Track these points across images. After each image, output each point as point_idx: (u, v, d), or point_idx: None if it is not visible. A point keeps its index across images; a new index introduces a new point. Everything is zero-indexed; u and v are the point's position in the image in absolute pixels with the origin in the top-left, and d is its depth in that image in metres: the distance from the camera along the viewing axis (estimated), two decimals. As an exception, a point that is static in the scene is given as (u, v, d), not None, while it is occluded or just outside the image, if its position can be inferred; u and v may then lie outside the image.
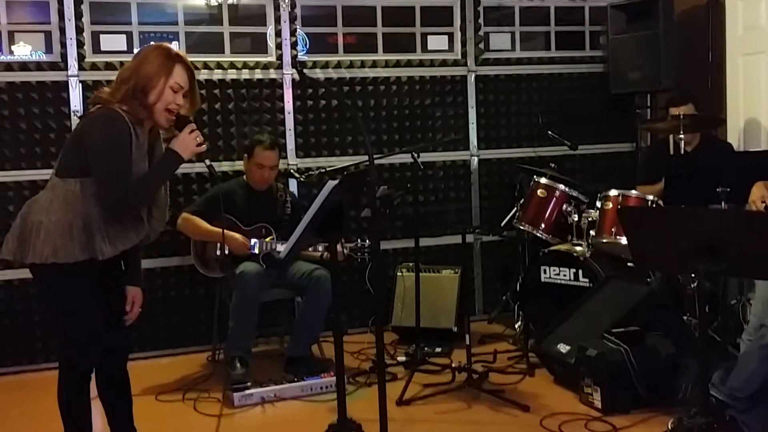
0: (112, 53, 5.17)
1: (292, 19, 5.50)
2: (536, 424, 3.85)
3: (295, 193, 5.38)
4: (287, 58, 5.50)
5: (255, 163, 4.84)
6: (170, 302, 5.34)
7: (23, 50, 5.05)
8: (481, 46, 5.97)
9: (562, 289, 4.94)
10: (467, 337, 4.32)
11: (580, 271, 4.88)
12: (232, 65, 5.42)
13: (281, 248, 4.26)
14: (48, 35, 5.10)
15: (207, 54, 5.40)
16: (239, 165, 5.15)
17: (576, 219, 4.99)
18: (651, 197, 4.69)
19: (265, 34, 5.51)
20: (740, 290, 4.43)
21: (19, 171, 5.02)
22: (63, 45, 5.06)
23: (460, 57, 5.94)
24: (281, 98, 5.52)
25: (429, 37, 5.92)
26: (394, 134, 5.81)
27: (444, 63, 5.90)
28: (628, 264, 4.73)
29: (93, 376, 3.13)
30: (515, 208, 5.36)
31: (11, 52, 5.03)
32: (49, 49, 5.10)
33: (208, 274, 4.83)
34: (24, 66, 5.03)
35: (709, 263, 2.78)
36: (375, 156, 3.47)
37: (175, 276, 5.34)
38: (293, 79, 5.52)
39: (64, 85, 5.07)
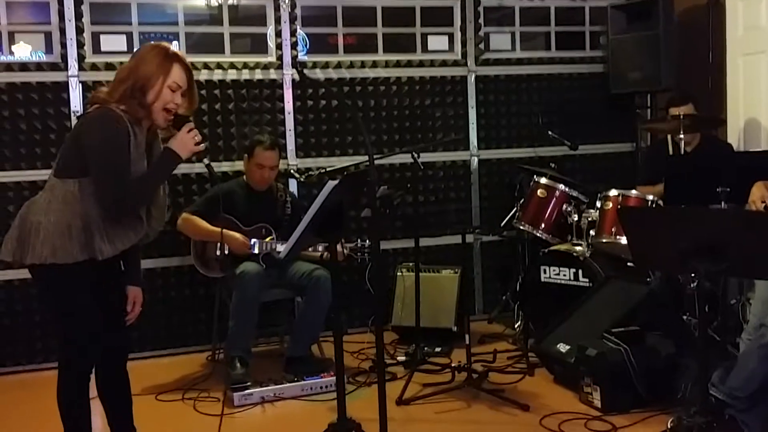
0: (112, 54, 5.18)
1: (293, 20, 5.51)
2: (536, 424, 3.85)
3: (295, 193, 5.38)
4: (287, 59, 5.50)
5: (255, 163, 4.84)
6: (170, 302, 5.34)
7: (23, 51, 5.06)
8: (482, 46, 5.97)
9: (562, 289, 4.94)
10: (467, 336, 4.33)
11: (580, 271, 4.88)
12: (233, 66, 5.42)
13: (281, 248, 4.26)
14: (48, 36, 5.10)
15: (207, 54, 5.41)
16: (239, 165, 5.15)
17: (576, 219, 4.99)
18: (651, 197, 4.69)
19: (266, 34, 5.51)
20: (740, 290, 4.43)
21: (19, 171, 5.03)
22: (63, 45, 5.06)
23: (460, 57, 5.94)
24: (281, 98, 5.53)
25: (429, 37, 5.92)
26: (394, 134, 5.81)
27: (444, 63, 5.90)
28: (628, 264, 4.73)
29: (93, 376, 3.13)
30: (515, 208, 5.36)
31: (11, 53, 5.04)
32: (49, 50, 5.10)
33: (208, 274, 4.84)
34: (24, 66, 5.04)
35: (709, 263, 2.78)
36: (375, 156, 3.47)
37: (175, 276, 5.34)
38: (293, 80, 5.52)
39: (65, 86, 5.08)
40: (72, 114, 5.04)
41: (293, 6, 5.50)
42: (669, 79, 5.72)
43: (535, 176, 5.22)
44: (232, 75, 5.43)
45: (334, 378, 4.10)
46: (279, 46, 5.49)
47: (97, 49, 5.18)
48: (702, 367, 3.07)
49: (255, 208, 4.86)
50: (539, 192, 5.13)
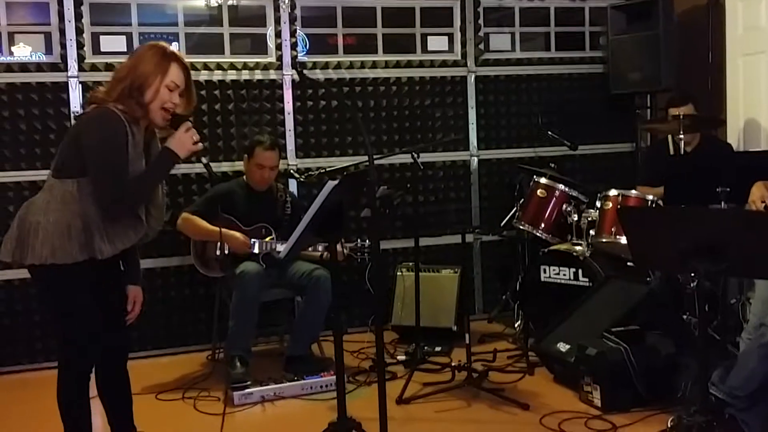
0: (112, 54, 5.17)
1: (292, 20, 5.51)
2: (536, 423, 3.86)
3: (295, 193, 5.38)
4: (287, 59, 5.51)
5: (255, 163, 4.84)
6: (170, 302, 5.35)
7: (23, 51, 5.06)
8: (481, 46, 5.97)
9: (562, 289, 4.95)
10: (467, 336, 4.33)
11: (580, 271, 4.88)
12: (232, 66, 5.42)
13: (281, 248, 4.27)
14: (48, 36, 5.10)
15: (207, 55, 5.41)
16: (239, 165, 5.15)
17: (576, 219, 4.99)
18: (651, 197, 4.69)
19: (265, 35, 5.51)
20: (740, 289, 4.44)
21: (19, 172, 5.03)
22: (63, 46, 5.06)
23: (460, 58, 5.95)
24: (281, 99, 5.53)
25: (429, 37, 5.92)
26: (394, 135, 5.81)
27: (444, 64, 5.91)
28: (628, 263, 4.73)
29: (93, 375, 3.14)
30: (515, 208, 5.36)
31: (11, 54, 5.04)
32: (49, 51, 5.10)
33: (208, 274, 4.84)
34: (24, 67, 5.04)
35: (709, 263, 2.79)
36: (375, 156, 3.48)
37: (175, 276, 5.34)
38: (293, 80, 5.53)
39: (64, 86, 5.08)
40: (72, 114, 5.04)
41: (293, 6, 5.50)
42: (669, 79, 5.72)
43: (534, 176, 5.22)
44: (231, 75, 5.43)
45: (334, 377, 4.10)
46: (279, 47, 5.49)
47: (96, 49, 5.18)
48: (702, 366, 3.07)
49: (255, 208, 4.86)
50: (539, 192, 5.13)
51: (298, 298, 5.16)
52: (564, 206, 5.07)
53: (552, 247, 5.05)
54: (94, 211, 2.95)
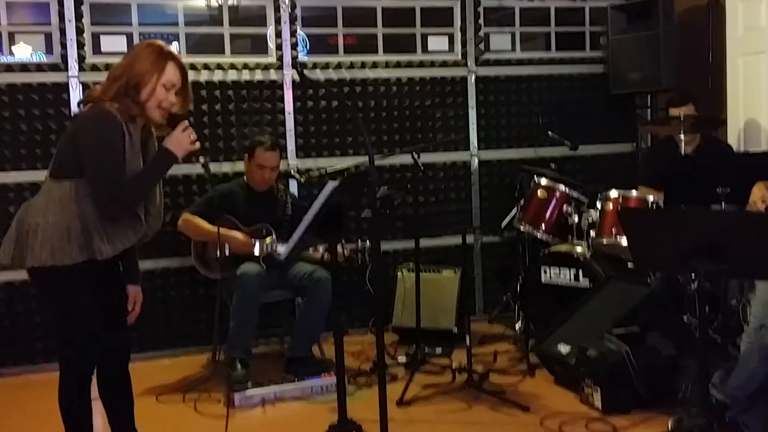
0: (112, 54, 5.16)
1: (293, 20, 5.51)
2: (536, 424, 3.86)
3: (296, 193, 5.39)
4: (287, 59, 5.50)
5: (256, 164, 4.84)
6: (170, 303, 5.34)
7: (23, 51, 5.06)
8: (482, 46, 5.97)
9: (563, 290, 4.94)
10: (467, 337, 4.33)
11: (581, 272, 4.88)
12: (233, 66, 5.42)
13: (282, 249, 4.26)
14: (48, 36, 5.10)
15: (207, 55, 5.41)
16: (240, 166, 5.14)
17: (576, 220, 4.99)
18: (651, 198, 4.69)
19: (266, 35, 5.51)
20: (740, 291, 4.43)
21: (19, 172, 5.03)
22: (63, 46, 5.06)
23: (460, 58, 5.94)
24: (281, 99, 5.53)
25: (429, 37, 5.92)
26: (395, 135, 5.81)
27: (444, 64, 5.91)
28: (629, 264, 4.73)
29: (94, 376, 3.13)
30: (515, 209, 5.35)
31: (11, 54, 5.04)
32: (49, 51, 5.10)
33: (208, 275, 4.84)
34: (24, 67, 5.04)
35: (710, 264, 2.79)
36: (375, 157, 3.47)
37: (176, 277, 5.34)
38: (293, 80, 5.52)
39: (65, 87, 5.08)
40: (72, 115, 5.03)
41: (293, 6, 5.50)
42: (669, 79, 5.72)
43: (535, 177, 5.21)
44: (232, 76, 5.43)
45: (334, 379, 4.10)
46: (279, 47, 5.49)
47: (97, 49, 5.18)
48: (702, 367, 3.08)
49: (255, 209, 4.86)
50: (539, 192, 5.12)
51: (298, 299, 5.16)
52: (564, 207, 5.06)
53: (552, 248, 5.05)
54: (92, 211, 2.94)
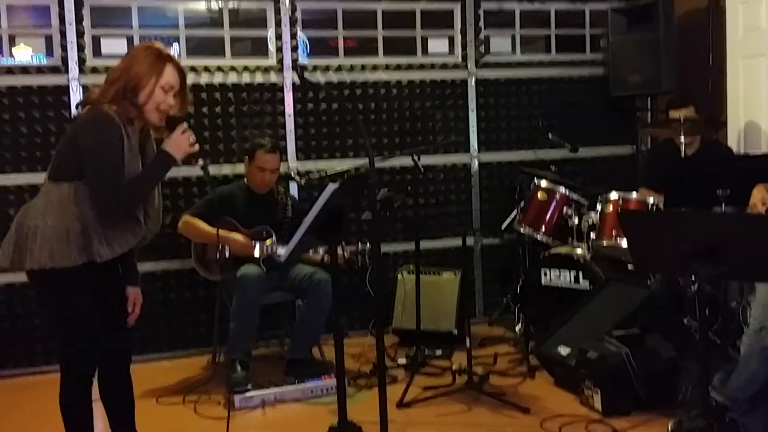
0: (112, 57, 5.14)
1: (293, 23, 5.51)
2: (537, 427, 3.86)
3: (296, 196, 5.39)
4: (288, 62, 5.51)
5: (256, 166, 4.84)
6: (171, 305, 5.35)
7: (24, 54, 5.06)
8: (482, 49, 5.97)
9: (563, 292, 4.94)
10: (467, 339, 4.32)
11: (581, 274, 4.88)
12: (233, 69, 5.42)
13: (282, 251, 4.27)
14: (49, 39, 5.11)
15: (207, 57, 5.41)
16: (240, 168, 5.14)
17: (576, 222, 4.99)
18: (651, 200, 4.69)
19: (266, 37, 5.51)
20: (741, 293, 4.43)
21: (19, 174, 5.03)
22: (64, 49, 5.07)
23: (460, 60, 5.95)
24: (282, 101, 5.53)
25: (429, 40, 5.92)
26: (395, 137, 5.82)
27: (444, 66, 5.91)
28: (629, 267, 4.73)
29: (95, 378, 3.13)
30: (515, 211, 5.35)
31: (12, 56, 5.04)
32: (49, 53, 5.10)
33: (208, 277, 4.84)
34: (25, 70, 5.04)
35: (710, 266, 2.79)
36: (375, 159, 3.48)
37: (176, 278, 5.34)
38: (294, 83, 5.53)
39: (65, 89, 5.08)
40: (73, 117, 5.04)
41: (293, 9, 5.50)
42: (669, 81, 5.72)
43: (535, 179, 5.21)
44: (232, 78, 5.43)
45: (334, 381, 4.10)
46: (279, 49, 5.49)
47: (97, 52, 5.18)
48: (702, 369, 3.08)
49: (256, 211, 4.86)
50: (540, 195, 5.13)
51: (298, 301, 5.16)
52: (564, 209, 5.07)
53: (552, 250, 5.05)
54: (91, 214, 2.93)
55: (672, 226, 2.91)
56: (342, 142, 5.68)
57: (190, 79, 5.16)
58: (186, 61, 5.23)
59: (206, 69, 5.36)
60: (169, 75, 3.05)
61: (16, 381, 4.98)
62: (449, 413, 4.11)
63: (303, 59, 5.58)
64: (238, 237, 4.68)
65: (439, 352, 5.03)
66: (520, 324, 5.30)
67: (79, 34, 5.09)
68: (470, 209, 6.01)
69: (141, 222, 3.08)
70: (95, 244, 2.94)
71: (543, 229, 5.10)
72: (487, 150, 6.04)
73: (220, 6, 5.42)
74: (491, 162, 6.05)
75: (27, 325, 5.07)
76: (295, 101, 5.55)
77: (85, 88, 5.07)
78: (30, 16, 5.14)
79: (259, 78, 5.48)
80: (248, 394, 4.29)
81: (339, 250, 4.11)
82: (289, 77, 5.51)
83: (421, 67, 5.84)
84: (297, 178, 5.46)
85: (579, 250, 4.92)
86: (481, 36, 5.96)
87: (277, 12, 5.47)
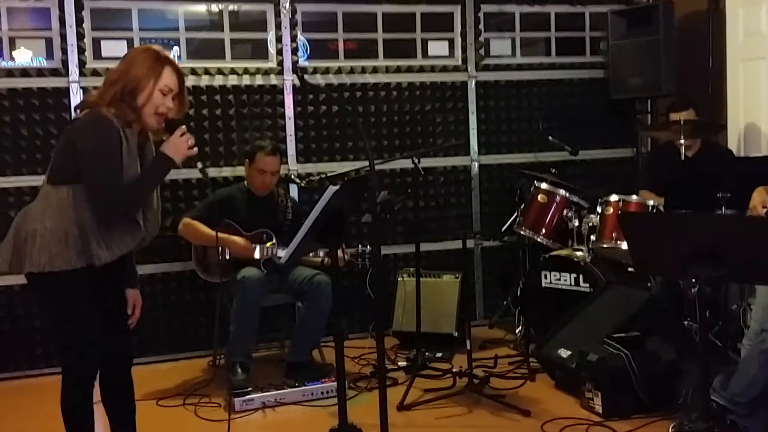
0: (113, 59, 5.13)
1: (293, 25, 5.51)
2: (537, 429, 3.85)
3: (296, 198, 5.39)
4: (288, 64, 5.51)
5: (256, 168, 4.84)
6: (171, 307, 5.34)
7: (24, 56, 5.07)
8: (482, 51, 5.98)
9: (563, 294, 4.94)
10: (468, 342, 4.32)
11: (581, 276, 4.88)
12: (233, 71, 5.42)
13: (282, 253, 4.27)
14: (49, 41, 5.11)
15: (208, 60, 5.41)
16: (240, 171, 5.15)
17: (576, 224, 4.99)
18: (651, 202, 4.69)
19: (266, 40, 5.52)
20: (741, 295, 4.43)
21: (20, 177, 5.03)
22: (64, 51, 5.07)
23: (460, 63, 5.95)
24: (282, 104, 5.53)
25: (429, 42, 5.93)
26: (395, 140, 5.82)
27: (444, 69, 5.91)
28: (629, 269, 4.73)
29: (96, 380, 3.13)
30: (516, 214, 5.36)
31: (12, 59, 5.05)
32: (50, 56, 5.11)
33: (209, 280, 4.84)
34: (25, 72, 5.04)
35: (710, 268, 2.79)
36: (376, 161, 3.48)
37: (176, 281, 5.34)
38: (294, 85, 5.53)
39: (65, 92, 5.08)
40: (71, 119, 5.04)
41: (294, 12, 5.50)
42: (669, 84, 5.72)
43: (535, 181, 5.22)
44: (232, 81, 5.43)
45: (335, 383, 4.09)
46: (279, 52, 5.50)
47: (97, 54, 5.18)
48: (703, 372, 3.07)
49: (256, 214, 4.86)
50: (540, 197, 5.13)
51: (298, 303, 5.16)
52: (565, 212, 5.07)
53: (553, 253, 5.05)
54: (90, 217, 2.92)
55: (672, 229, 2.91)
56: (342, 144, 5.68)
57: (191, 81, 5.22)
58: (186, 64, 5.24)
59: (206, 71, 5.36)
60: (167, 77, 3.04)
61: (17, 383, 4.98)
62: (450, 416, 4.11)
63: (303, 62, 5.58)
64: (237, 240, 4.68)
65: (439, 354, 5.03)
66: (520, 326, 5.30)
67: (80, 37, 5.09)
68: (470, 212, 6.02)
69: (140, 225, 3.07)
70: (94, 247, 2.93)
71: (543, 231, 5.11)
72: (488, 152, 6.04)
73: (221, 8, 5.42)
74: (491, 164, 6.05)
75: (27, 328, 5.06)
76: (296, 104, 5.55)
77: (86, 91, 5.07)
78: (30, 18, 5.14)
79: (259, 80, 5.48)
80: (248, 396, 4.29)
81: (339, 253, 4.12)
82: (290, 80, 5.51)
83: (421, 69, 5.85)
84: (297, 180, 5.45)
85: (579, 253, 4.92)
86: (481, 38, 5.97)
87: (278, 15, 5.47)
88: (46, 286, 2.96)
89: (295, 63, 5.52)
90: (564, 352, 4.36)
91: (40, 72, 5.07)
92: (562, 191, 5.11)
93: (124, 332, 3.24)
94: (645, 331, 4.17)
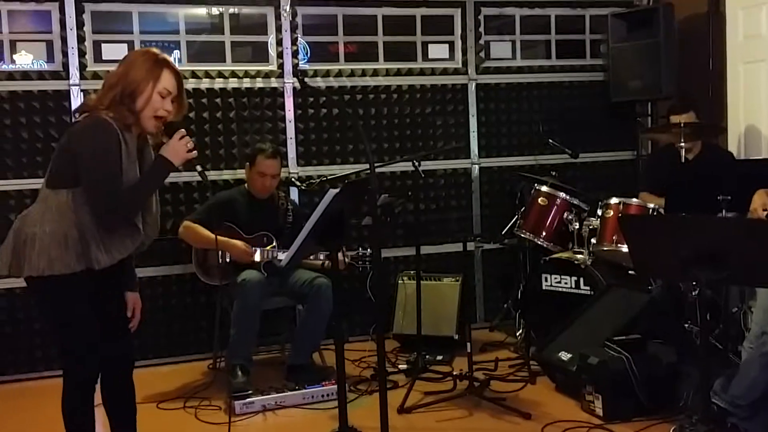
0: (113, 62, 5.12)
1: (293, 28, 5.52)
2: (538, 432, 3.86)
3: (296, 201, 5.39)
4: (288, 67, 5.51)
5: (257, 171, 4.84)
6: (171, 310, 5.34)
7: (25, 59, 5.07)
8: (482, 54, 5.98)
9: (564, 297, 4.94)
10: (468, 344, 4.32)
11: (581, 279, 4.88)
12: (234, 74, 5.43)
13: (282, 256, 4.26)
14: (50, 44, 5.11)
15: (208, 63, 5.42)
16: (241, 173, 5.15)
17: (577, 227, 5.00)
18: (652, 205, 4.70)
19: (267, 42, 5.52)
20: (741, 298, 4.43)
21: (20, 180, 5.03)
22: (65, 54, 5.07)
23: (460, 65, 5.95)
24: (282, 107, 5.53)
25: (430, 45, 5.93)
26: (395, 142, 5.82)
27: (445, 71, 5.91)
28: (629, 272, 4.73)
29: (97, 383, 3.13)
30: (516, 216, 5.36)
31: (13, 62, 5.05)
32: (50, 59, 5.11)
33: (209, 282, 4.84)
34: (26, 75, 5.05)
35: (710, 271, 2.78)
36: (376, 164, 3.48)
37: (177, 284, 5.34)
38: (294, 88, 5.53)
39: (66, 94, 5.09)
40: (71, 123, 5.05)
41: (294, 15, 5.51)
42: (669, 87, 5.73)
43: (536, 184, 5.22)
44: (233, 83, 5.43)
45: (335, 386, 4.09)
46: (280, 55, 5.50)
47: (98, 57, 5.19)
48: (704, 375, 3.07)
49: (256, 217, 4.86)
50: (540, 200, 5.13)
51: (299, 306, 5.15)
52: (565, 214, 5.07)
53: (553, 256, 5.05)
54: (89, 220, 2.92)
55: (672, 231, 2.91)
56: (342, 147, 5.69)
57: (191, 84, 5.23)
58: (187, 67, 5.25)
59: (207, 74, 5.36)
60: (166, 80, 3.03)
61: (17, 386, 4.98)
62: (450, 419, 4.11)
63: (303, 64, 5.59)
64: (237, 244, 4.68)
65: (440, 357, 5.02)
66: (521, 329, 5.30)
67: (80, 40, 5.09)
68: (471, 214, 6.02)
69: (139, 228, 3.06)
70: (93, 251, 2.93)
71: (544, 234, 5.11)
72: (488, 155, 6.05)
73: (221, 11, 5.43)
74: (492, 167, 6.05)
75: (28, 331, 5.06)
76: (296, 106, 5.56)
77: (86, 94, 5.05)
78: (31, 21, 5.14)
79: (259, 83, 5.49)
80: (249, 399, 4.28)
81: (340, 256, 4.11)
82: (290, 83, 5.52)
83: (422, 72, 5.85)
84: (297, 183, 5.45)
85: (580, 256, 4.92)
86: (482, 41, 5.97)
87: (278, 17, 5.48)
88: (45, 289, 2.96)
89: (295, 66, 5.53)
90: (565, 355, 4.36)
91: (40, 75, 5.07)
92: (562, 194, 5.12)
93: (124, 335, 3.24)
94: (645, 334, 4.18)
